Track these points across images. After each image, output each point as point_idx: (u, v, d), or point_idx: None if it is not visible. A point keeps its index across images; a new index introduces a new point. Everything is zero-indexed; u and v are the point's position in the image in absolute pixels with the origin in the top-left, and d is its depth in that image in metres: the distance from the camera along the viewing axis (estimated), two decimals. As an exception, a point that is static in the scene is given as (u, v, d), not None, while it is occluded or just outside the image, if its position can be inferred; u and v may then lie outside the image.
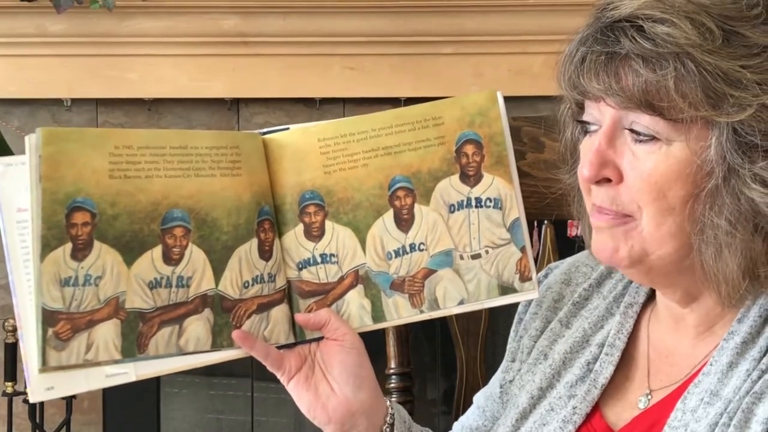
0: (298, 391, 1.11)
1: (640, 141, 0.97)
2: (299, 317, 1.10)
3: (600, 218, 1.01)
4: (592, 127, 1.02)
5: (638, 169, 0.97)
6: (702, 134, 0.95)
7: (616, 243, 1.00)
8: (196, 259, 1.04)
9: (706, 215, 0.96)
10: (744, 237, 0.95)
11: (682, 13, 0.94)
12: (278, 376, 1.10)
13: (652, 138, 0.96)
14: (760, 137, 0.93)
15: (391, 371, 1.46)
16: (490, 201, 1.13)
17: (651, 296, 1.13)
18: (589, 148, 1.01)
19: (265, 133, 1.11)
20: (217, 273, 1.05)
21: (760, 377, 0.96)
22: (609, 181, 0.99)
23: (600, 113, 1.00)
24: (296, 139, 1.11)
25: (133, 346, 1.00)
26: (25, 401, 2.61)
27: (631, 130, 0.97)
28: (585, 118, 1.02)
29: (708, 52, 0.93)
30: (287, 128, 1.11)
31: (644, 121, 0.96)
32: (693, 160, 0.95)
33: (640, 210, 0.98)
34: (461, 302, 1.14)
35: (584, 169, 1.00)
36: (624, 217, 1.00)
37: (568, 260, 1.25)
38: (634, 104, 0.95)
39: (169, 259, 1.02)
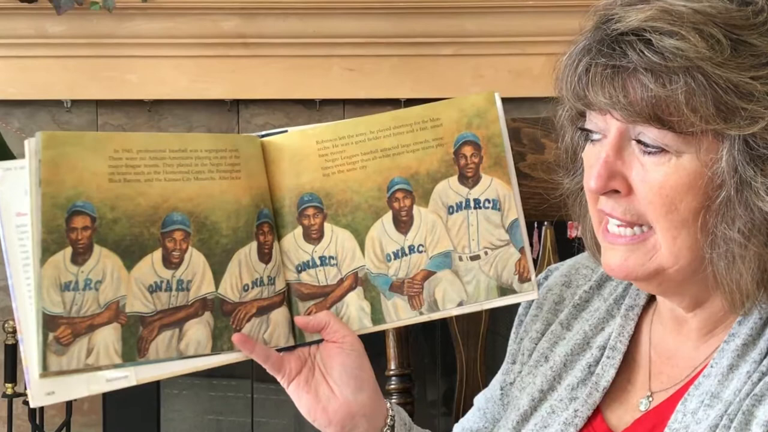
0: (298, 394, 1.11)
1: (649, 153, 0.96)
2: (299, 320, 1.11)
3: (612, 237, 1.01)
4: (595, 136, 1.01)
5: (648, 181, 0.96)
6: (712, 146, 0.94)
7: (631, 260, 1.00)
8: (195, 262, 1.04)
9: (718, 227, 0.95)
10: (757, 248, 0.94)
11: (690, 24, 0.92)
12: (278, 378, 1.10)
13: (661, 150, 0.95)
14: None
15: (391, 373, 1.46)
16: (489, 202, 1.13)
17: (652, 298, 1.13)
18: (595, 157, 1.00)
19: (263, 136, 1.11)
20: (217, 276, 1.05)
21: (760, 379, 0.96)
22: (616, 192, 0.99)
23: (605, 123, 0.99)
24: (294, 141, 1.11)
25: (133, 351, 1.00)
26: (25, 403, 2.61)
27: (639, 141, 0.96)
28: (587, 126, 1.01)
29: (718, 64, 0.92)
30: (285, 131, 1.11)
31: (652, 134, 0.95)
32: (704, 172, 0.94)
33: (654, 223, 0.97)
34: (460, 303, 1.14)
35: (591, 181, 0.99)
36: (640, 230, 0.99)
37: (569, 262, 1.25)
38: (642, 118, 0.94)
39: (169, 262, 1.02)
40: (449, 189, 1.13)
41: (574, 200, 1.12)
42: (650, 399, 1.06)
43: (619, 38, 0.95)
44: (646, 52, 0.93)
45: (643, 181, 0.97)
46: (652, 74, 0.93)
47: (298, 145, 1.11)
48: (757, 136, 0.92)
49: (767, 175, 0.93)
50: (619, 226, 1.00)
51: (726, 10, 0.94)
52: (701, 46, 0.92)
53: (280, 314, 1.09)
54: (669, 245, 0.97)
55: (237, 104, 2.86)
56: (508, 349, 1.24)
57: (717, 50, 0.92)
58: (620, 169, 0.98)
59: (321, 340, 1.11)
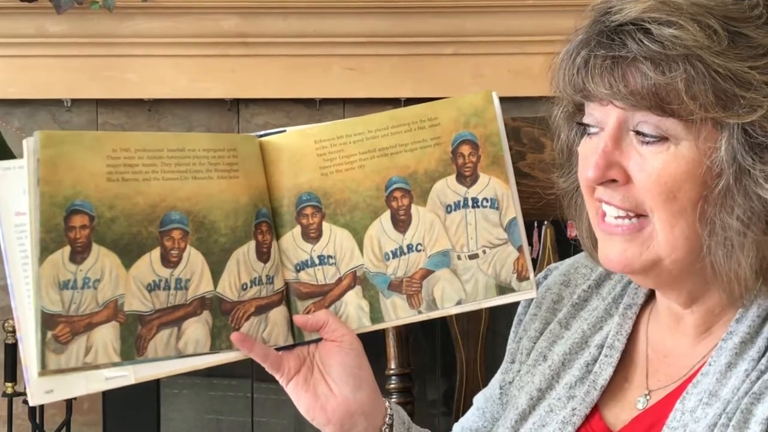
0: (297, 393, 1.11)
1: (647, 142, 0.97)
2: (298, 318, 1.11)
3: (610, 228, 1.01)
4: (593, 129, 1.01)
5: (646, 170, 0.97)
6: (711, 135, 0.95)
7: (629, 251, 1.00)
8: (194, 261, 1.04)
9: (717, 215, 0.95)
10: (756, 237, 0.95)
11: (688, 15, 0.94)
12: (277, 377, 1.11)
13: (659, 139, 0.96)
14: None
15: (391, 372, 1.46)
16: (487, 201, 1.13)
17: (650, 296, 1.13)
18: (592, 149, 1.00)
19: (261, 136, 1.11)
20: (216, 275, 1.05)
21: (758, 377, 0.97)
22: (614, 181, 0.99)
23: (604, 115, 0.99)
24: (293, 141, 1.11)
25: (132, 349, 1.00)
26: (25, 402, 2.61)
27: (638, 132, 0.97)
28: (586, 120, 1.02)
29: (716, 53, 0.93)
30: (283, 130, 1.12)
31: (652, 121, 0.96)
32: (702, 161, 0.95)
33: (652, 212, 0.98)
34: (459, 302, 1.14)
35: (589, 171, 0.99)
36: (637, 219, 0.99)
37: (568, 261, 1.25)
38: (643, 106, 0.95)
39: (167, 261, 1.02)
40: (447, 188, 1.13)
41: (569, 201, 1.13)
42: (648, 397, 1.06)
43: (617, 29, 0.96)
44: (645, 41, 0.94)
45: (641, 170, 0.97)
46: (652, 62, 0.94)
47: (296, 145, 1.11)
48: (755, 125, 0.93)
49: (766, 162, 0.94)
50: (616, 217, 1.01)
51: (722, 3, 0.95)
52: (699, 35, 0.93)
53: (278, 313, 1.09)
54: (666, 234, 0.98)
55: (237, 104, 2.86)
56: (507, 348, 1.25)
57: (715, 40, 0.93)
58: (618, 159, 0.98)
59: (320, 339, 1.11)
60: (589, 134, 1.02)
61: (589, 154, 1.01)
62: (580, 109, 1.04)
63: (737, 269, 0.96)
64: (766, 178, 0.94)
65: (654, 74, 0.93)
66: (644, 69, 0.94)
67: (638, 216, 0.99)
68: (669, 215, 0.97)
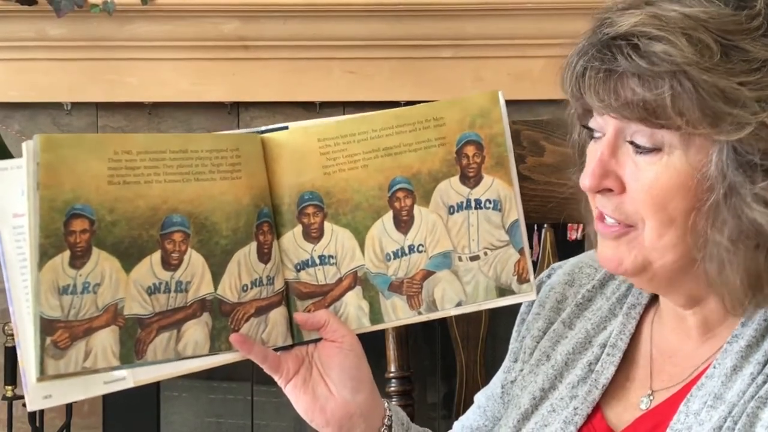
0: (296, 394, 1.11)
1: (641, 152, 0.97)
2: (298, 316, 1.10)
3: (603, 228, 1.02)
4: (597, 134, 1.02)
5: (640, 180, 0.97)
6: (703, 148, 0.94)
7: (620, 253, 1.00)
8: (195, 263, 1.03)
9: (708, 231, 0.95)
10: (746, 254, 0.95)
11: (678, 29, 0.93)
12: (276, 378, 1.10)
13: (653, 149, 0.96)
14: (760, 156, 0.92)
15: (391, 375, 1.46)
16: (490, 202, 1.13)
17: (655, 297, 1.13)
18: (592, 156, 1.01)
19: (263, 132, 1.10)
20: (216, 277, 1.04)
21: (765, 382, 0.96)
22: (610, 190, 0.99)
23: (604, 122, 1.00)
24: (296, 138, 1.10)
25: (131, 353, 0.99)
26: (25, 405, 2.60)
27: (632, 142, 0.97)
28: (591, 125, 1.02)
29: (705, 69, 0.92)
30: (286, 127, 1.11)
31: (646, 132, 0.96)
32: (694, 173, 0.95)
33: (643, 221, 0.98)
34: (459, 304, 1.13)
35: (585, 180, 1.00)
36: (627, 227, 0.99)
37: (572, 260, 1.25)
38: (635, 119, 0.95)
39: (168, 264, 1.02)
40: (450, 189, 1.12)
41: (582, 198, 1.12)
42: (651, 398, 1.06)
43: (610, 42, 0.96)
44: (633, 57, 0.94)
45: (635, 180, 0.98)
46: (639, 78, 0.94)
47: (299, 143, 1.10)
48: (744, 142, 0.93)
49: (755, 182, 0.93)
50: (610, 216, 1.01)
51: (719, 15, 0.94)
52: (688, 50, 0.92)
53: (278, 314, 1.09)
54: (653, 242, 0.98)
55: (237, 107, 2.86)
56: (510, 347, 1.24)
57: (705, 55, 0.92)
58: (614, 168, 0.99)
59: (319, 339, 1.11)
60: (594, 138, 1.03)
61: (590, 160, 1.01)
62: (589, 110, 1.04)
63: (728, 282, 0.96)
64: (755, 199, 0.93)
65: (641, 90, 0.93)
66: (632, 84, 0.94)
67: (629, 226, 1.00)
68: (658, 224, 0.97)
